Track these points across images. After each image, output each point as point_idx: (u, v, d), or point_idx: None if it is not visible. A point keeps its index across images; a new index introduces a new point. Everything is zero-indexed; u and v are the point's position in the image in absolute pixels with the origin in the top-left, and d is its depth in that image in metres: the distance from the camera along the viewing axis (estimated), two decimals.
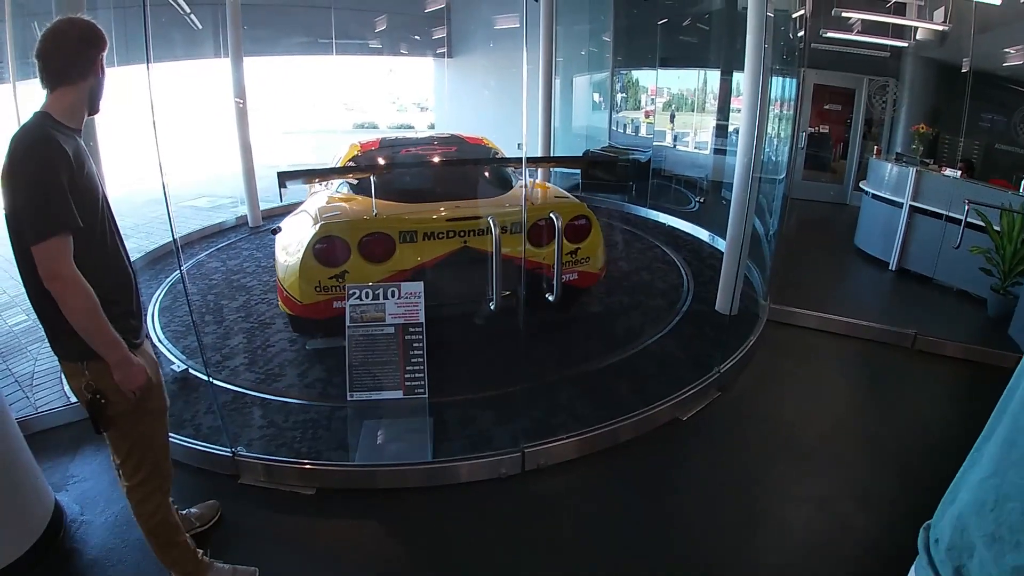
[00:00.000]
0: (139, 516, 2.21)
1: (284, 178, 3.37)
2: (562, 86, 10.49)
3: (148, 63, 2.66)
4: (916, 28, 8.12)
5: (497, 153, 5.03)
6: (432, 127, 12.84)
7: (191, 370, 4.00)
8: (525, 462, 3.11)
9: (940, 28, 7.57)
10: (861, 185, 7.43)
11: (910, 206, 6.41)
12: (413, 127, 13.91)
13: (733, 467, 3.32)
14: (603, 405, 3.58)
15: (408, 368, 3.08)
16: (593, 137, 11.45)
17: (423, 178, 4.47)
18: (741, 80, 9.30)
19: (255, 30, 8.27)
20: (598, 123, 11.91)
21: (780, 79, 5.42)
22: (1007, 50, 5.80)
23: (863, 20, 8.17)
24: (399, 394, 3.08)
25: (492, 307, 3.42)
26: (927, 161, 7.11)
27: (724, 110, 10.28)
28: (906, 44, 8.53)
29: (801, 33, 5.75)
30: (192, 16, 7.22)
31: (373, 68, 11.97)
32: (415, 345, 3.08)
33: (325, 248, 3.52)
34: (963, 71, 7.24)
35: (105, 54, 1.94)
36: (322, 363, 4.07)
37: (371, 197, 3.75)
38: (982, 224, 5.42)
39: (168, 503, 2.26)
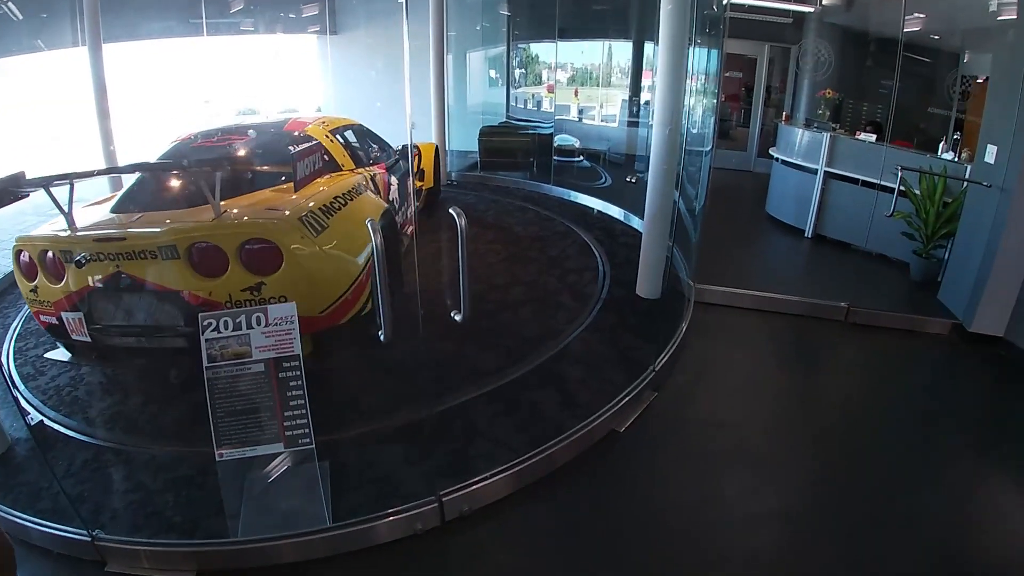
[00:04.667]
0: None
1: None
2: (455, 62, 9.84)
3: None
4: None
5: (321, 147, 4.26)
6: (319, 110, 11.96)
7: (47, 421, 3.30)
8: (444, 511, 2.58)
9: None
10: (771, 152, 7.29)
11: (824, 172, 6.29)
12: (297, 111, 12.92)
13: (682, 483, 2.92)
14: (528, 424, 3.10)
15: (287, 414, 2.46)
16: (490, 113, 10.85)
17: (150, 183, 3.79)
18: (648, 51, 9.04)
19: (110, 14, 7.22)
20: (496, 99, 11.33)
21: (698, 50, 5.08)
22: (918, 15, 5.72)
23: None
24: (280, 447, 2.47)
25: (381, 338, 2.78)
26: (833, 125, 7.03)
27: (636, 82, 9.91)
28: (812, 10, 8.43)
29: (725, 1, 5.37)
30: (9, 4, 6.19)
31: (257, 51, 10.92)
32: (293, 384, 2.46)
33: (23, 261, 3.44)
34: (867, 37, 7.19)
35: None
36: (194, 400, 3.38)
37: (73, 204, 3.27)
38: (900, 188, 5.31)
39: None
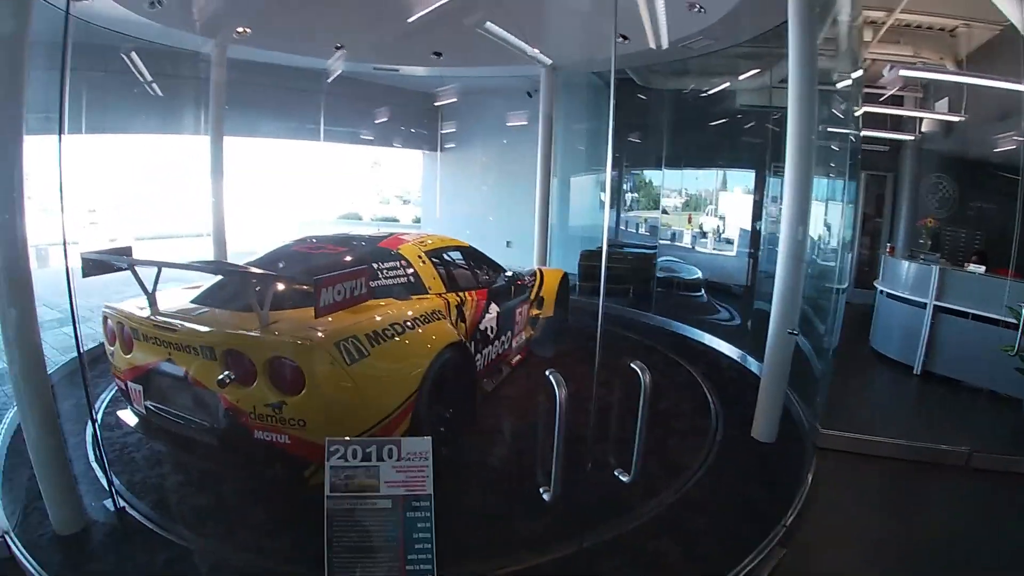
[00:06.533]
0: None
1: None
2: (560, 186, 9.84)
3: (60, 132, 2.45)
4: (922, 120, 7.99)
5: (408, 268, 4.23)
6: (418, 221, 12.32)
7: (129, 509, 3.20)
8: None
9: (957, 119, 7.37)
10: (876, 284, 7.03)
11: (934, 306, 5.99)
12: (398, 220, 13.42)
13: None
14: None
15: (410, 556, 2.30)
16: (590, 237, 10.47)
17: (231, 281, 3.84)
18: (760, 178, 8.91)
19: (238, 109, 7.86)
20: (598, 222, 11.07)
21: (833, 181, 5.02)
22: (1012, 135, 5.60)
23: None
24: None
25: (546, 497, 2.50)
26: (937, 255, 6.80)
27: (757, 211, 9.71)
28: (912, 137, 8.37)
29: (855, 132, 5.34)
30: (154, 85, 6.91)
31: (358, 158, 11.46)
32: (421, 525, 2.31)
33: (108, 327, 3.72)
34: (966, 161, 7.06)
35: None
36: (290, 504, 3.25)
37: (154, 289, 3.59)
38: (1013, 321, 5.03)
39: None
